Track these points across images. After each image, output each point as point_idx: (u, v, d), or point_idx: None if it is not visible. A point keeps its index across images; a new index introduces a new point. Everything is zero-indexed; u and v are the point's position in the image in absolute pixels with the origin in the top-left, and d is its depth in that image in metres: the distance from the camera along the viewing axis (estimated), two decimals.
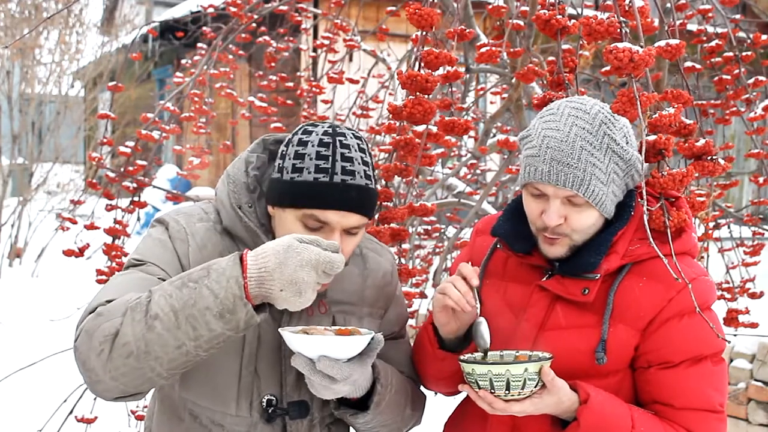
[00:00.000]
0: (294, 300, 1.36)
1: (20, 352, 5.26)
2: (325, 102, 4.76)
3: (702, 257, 3.05)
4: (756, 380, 4.54)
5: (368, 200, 1.54)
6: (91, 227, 3.04)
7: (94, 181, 3.25)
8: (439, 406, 2.11)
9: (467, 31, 2.16)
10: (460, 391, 1.59)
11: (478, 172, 5.26)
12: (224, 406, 1.59)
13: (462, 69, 2.35)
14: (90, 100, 11.97)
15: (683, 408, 1.55)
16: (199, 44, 4.64)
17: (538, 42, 3.98)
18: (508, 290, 1.71)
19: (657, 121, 1.67)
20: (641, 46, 1.60)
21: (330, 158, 1.50)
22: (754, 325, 3.17)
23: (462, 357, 1.57)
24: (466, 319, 1.63)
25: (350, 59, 5.30)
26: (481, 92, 4.52)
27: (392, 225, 2.14)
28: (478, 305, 1.60)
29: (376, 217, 2.11)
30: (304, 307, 1.39)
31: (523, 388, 1.48)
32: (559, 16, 1.94)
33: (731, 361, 4.63)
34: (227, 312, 1.34)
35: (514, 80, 3.00)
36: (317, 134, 1.53)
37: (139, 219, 3.31)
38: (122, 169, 3.03)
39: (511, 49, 2.62)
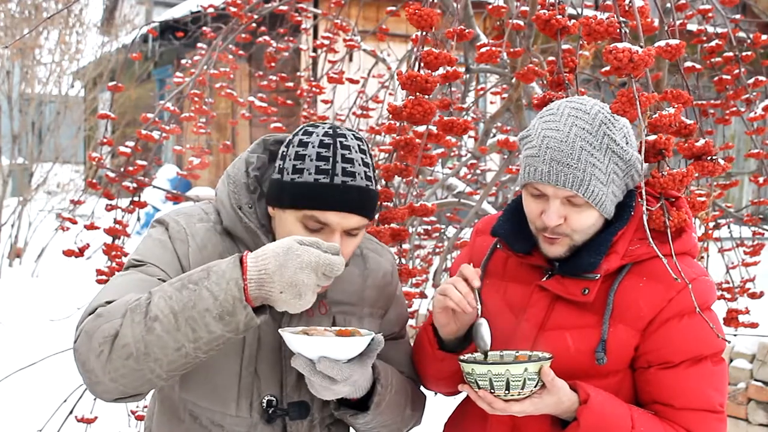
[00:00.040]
0: (294, 302, 1.36)
1: (20, 352, 5.26)
2: (325, 102, 4.76)
3: (702, 257, 3.05)
4: (756, 380, 4.54)
5: (369, 201, 1.54)
6: (91, 227, 3.04)
7: (94, 181, 3.25)
8: (439, 406, 2.11)
9: (467, 31, 2.15)
10: (460, 391, 1.59)
11: (478, 172, 5.26)
12: (224, 407, 1.59)
13: (462, 69, 2.35)
14: (90, 100, 11.97)
15: (683, 408, 1.55)
16: (199, 44, 4.64)
17: (538, 42, 3.98)
18: (508, 290, 1.71)
19: (657, 121, 1.67)
20: (641, 46, 1.60)
21: (330, 159, 1.50)
22: (754, 325, 3.17)
23: (462, 357, 1.57)
24: (467, 320, 1.63)
25: (350, 59, 5.30)
26: (481, 92, 4.52)
27: (392, 225, 2.14)
28: (479, 307, 1.60)
29: (377, 217, 2.11)
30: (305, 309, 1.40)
31: (522, 388, 1.48)
32: (559, 16, 1.94)
33: (731, 361, 4.63)
34: (227, 314, 1.34)
35: (514, 80, 3.00)
36: (318, 135, 1.53)
37: (139, 219, 3.31)
38: (122, 169, 3.04)
39: (511, 49, 2.62)
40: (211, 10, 4.55)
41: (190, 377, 1.56)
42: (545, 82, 2.37)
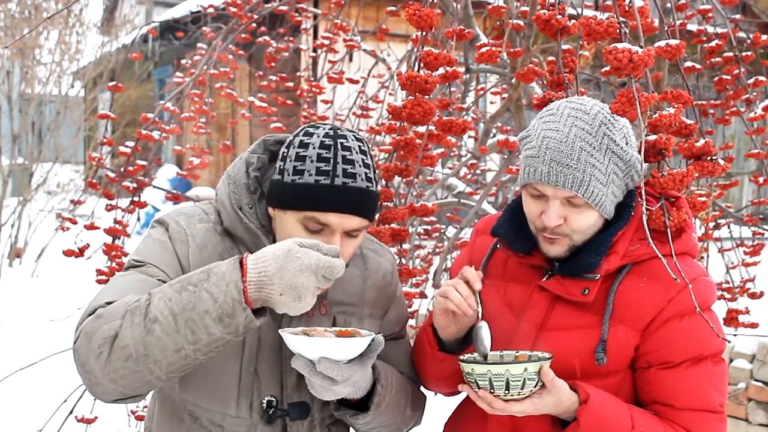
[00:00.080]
0: (293, 305, 1.36)
1: (20, 352, 5.26)
2: (325, 102, 4.76)
3: (702, 257, 3.05)
4: (756, 380, 4.54)
5: (369, 203, 1.54)
6: (91, 227, 3.04)
7: (94, 181, 3.24)
8: (439, 406, 2.11)
9: (466, 31, 2.15)
10: (460, 392, 1.59)
11: (478, 172, 5.26)
12: (224, 407, 1.59)
13: (462, 69, 2.35)
14: (90, 100, 11.97)
15: (683, 408, 1.55)
16: (199, 44, 4.64)
17: (538, 42, 3.98)
18: (508, 290, 1.71)
19: (657, 121, 1.67)
20: (641, 47, 1.60)
21: (331, 161, 1.50)
22: (754, 325, 3.17)
23: (462, 357, 1.57)
24: (467, 322, 1.63)
25: (350, 59, 5.30)
26: (481, 92, 4.52)
27: (392, 225, 2.14)
28: (480, 310, 1.60)
29: (377, 217, 2.11)
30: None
31: (522, 388, 1.48)
32: (559, 16, 1.94)
33: (731, 361, 4.63)
34: (226, 316, 1.34)
35: (514, 80, 3.00)
36: (318, 136, 1.53)
37: (139, 219, 3.31)
38: (122, 169, 3.03)
39: (511, 49, 2.62)
40: (211, 10, 4.55)
41: (190, 378, 1.56)
42: (545, 82, 2.37)
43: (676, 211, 1.64)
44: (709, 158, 1.77)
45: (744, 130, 3.09)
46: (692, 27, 3.43)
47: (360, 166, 1.52)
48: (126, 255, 2.86)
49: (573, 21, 1.99)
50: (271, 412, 1.59)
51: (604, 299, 1.59)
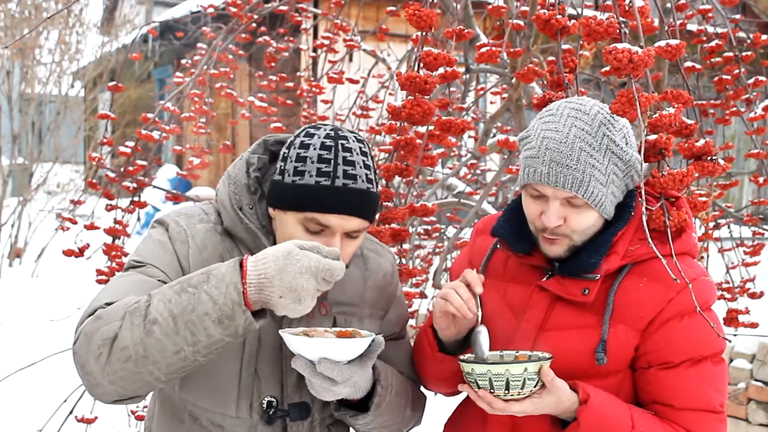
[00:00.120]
0: (293, 307, 1.36)
1: (20, 352, 5.26)
2: (325, 102, 4.76)
3: (702, 257, 3.05)
4: (756, 380, 4.54)
5: (369, 204, 1.54)
6: (91, 227, 3.04)
7: (94, 181, 3.24)
8: (439, 407, 2.11)
9: (466, 31, 2.15)
10: (460, 392, 1.59)
11: (478, 172, 5.26)
12: (224, 408, 1.59)
13: (461, 69, 2.35)
14: (90, 100, 11.97)
15: (683, 408, 1.55)
16: (199, 44, 4.64)
17: (538, 42, 3.98)
18: (508, 290, 1.71)
19: (657, 121, 1.67)
20: (641, 47, 1.60)
21: (332, 162, 1.50)
22: (754, 325, 3.17)
23: (462, 357, 1.57)
24: (466, 324, 1.63)
25: (350, 59, 5.30)
26: (481, 92, 4.52)
27: (393, 225, 2.14)
28: (480, 313, 1.60)
29: (377, 217, 2.11)
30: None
31: (522, 388, 1.48)
32: (559, 16, 1.94)
33: (731, 361, 4.63)
34: (226, 318, 1.34)
35: (514, 80, 3.00)
36: (319, 137, 1.53)
37: (139, 219, 3.31)
38: (122, 169, 3.03)
39: (511, 49, 2.62)
40: (211, 10, 4.55)
41: (190, 378, 1.56)
42: (545, 82, 2.37)
43: (676, 211, 1.64)
44: (709, 158, 1.77)
45: (744, 130, 3.09)
46: (692, 27, 3.43)
47: (361, 167, 1.52)
48: (126, 255, 2.86)
49: (573, 21, 1.99)
50: (271, 412, 1.59)
51: (604, 299, 1.59)
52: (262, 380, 1.59)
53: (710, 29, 3.11)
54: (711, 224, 3.30)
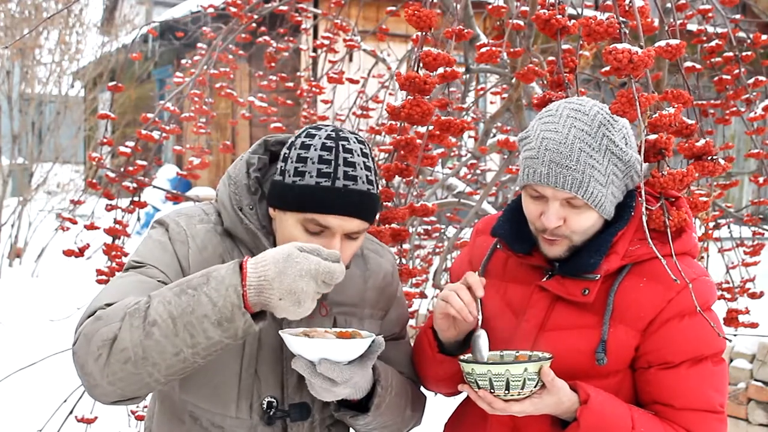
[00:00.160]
0: (293, 309, 1.36)
1: (20, 352, 5.26)
2: (325, 102, 4.76)
3: (702, 257, 3.05)
4: (756, 380, 4.54)
5: (369, 205, 1.54)
6: (91, 227, 3.04)
7: (94, 181, 3.24)
8: (439, 407, 2.11)
9: (465, 31, 2.15)
10: (460, 392, 1.59)
11: (478, 172, 5.26)
12: (224, 408, 1.58)
13: (461, 69, 2.35)
14: (90, 100, 11.97)
15: (683, 408, 1.55)
16: (199, 44, 4.64)
17: (538, 42, 3.98)
18: (508, 291, 1.70)
19: (657, 120, 1.67)
20: (641, 47, 1.60)
21: (332, 163, 1.50)
22: (754, 325, 3.17)
23: (462, 357, 1.57)
24: (466, 327, 1.63)
25: (350, 59, 5.30)
26: (481, 92, 4.52)
27: (393, 225, 2.14)
28: (480, 317, 1.60)
29: (377, 217, 2.11)
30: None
31: (522, 388, 1.48)
32: (559, 16, 1.94)
33: (731, 361, 4.63)
34: (225, 320, 1.34)
35: (514, 80, 3.00)
36: (320, 138, 1.53)
37: (139, 219, 3.31)
38: (122, 169, 3.03)
39: (511, 49, 2.62)
40: (211, 10, 4.55)
41: (191, 378, 1.56)
42: (545, 82, 2.37)
43: (676, 211, 1.63)
44: (709, 158, 1.77)
45: (744, 130, 3.09)
46: (692, 27, 3.43)
47: (361, 168, 1.52)
48: (126, 255, 2.86)
49: (573, 21, 1.99)
50: (271, 413, 1.59)
51: (604, 299, 1.58)
52: (263, 381, 1.59)
53: (710, 29, 3.11)
54: (711, 224, 3.30)
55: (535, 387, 1.49)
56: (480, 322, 1.59)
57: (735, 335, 3.34)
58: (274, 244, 1.58)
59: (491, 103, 7.83)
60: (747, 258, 3.73)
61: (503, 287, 1.71)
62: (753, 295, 3.46)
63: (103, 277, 2.89)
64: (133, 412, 3.19)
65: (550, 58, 2.89)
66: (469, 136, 5.15)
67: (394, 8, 4.32)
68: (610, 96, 3.74)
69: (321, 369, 1.44)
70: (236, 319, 1.34)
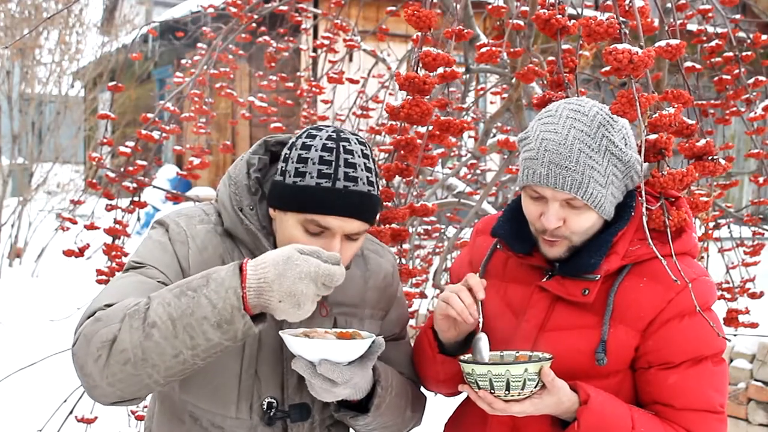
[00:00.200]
0: (293, 311, 1.36)
1: (20, 352, 5.26)
2: (325, 102, 4.76)
3: (702, 257, 3.05)
4: (756, 380, 4.54)
5: (370, 206, 1.54)
6: (91, 227, 3.04)
7: (94, 181, 3.24)
8: (439, 407, 2.11)
9: (465, 31, 2.15)
10: (461, 392, 1.59)
11: (478, 172, 5.26)
12: (224, 409, 1.58)
13: (461, 69, 2.35)
14: (90, 100, 11.97)
15: (683, 408, 1.55)
16: (199, 44, 4.64)
17: (538, 42, 3.98)
18: (508, 291, 1.70)
19: (657, 120, 1.67)
20: (641, 47, 1.60)
21: (333, 163, 1.50)
22: (754, 325, 3.17)
23: (462, 357, 1.57)
24: (467, 328, 1.63)
25: (350, 59, 5.30)
26: (481, 92, 4.52)
27: (393, 225, 2.14)
28: (481, 319, 1.60)
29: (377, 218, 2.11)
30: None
31: (522, 389, 1.48)
32: (559, 16, 1.94)
33: (731, 361, 4.63)
34: (225, 322, 1.34)
35: (514, 80, 3.00)
36: (321, 139, 1.53)
37: (139, 219, 3.31)
38: (122, 169, 3.03)
39: (511, 49, 2.62)
40: (211, 10, 4.55)
41: (191, 379, 1.56)
42: (545, 82, 2.37)
43: (676, 211, 1.63)
44: (709, 158, 1.77)
45: (744, 130, 3.09)
46: (692, 27, 3.43)
47: (362, 169, 1.52)
48: (126, 255, 2.86)
49: (573, 21, 1.99)
50: (271, 413, 1.59)
51: (605, 300, 1.58)
52: (263, 381, 1.59)
53: (710, 29, 3.11)
54: (711, 224, 3.30)
55: (535, 387, 1.49)
56: (481, 325, 1.59)
57: (735, 335, 3.35)
58: (275, 245, 1.58)
59: (491, 103, 7.83)
60: (747, 258, 3.73)
61: (503, 287, 1.71)
62: (753, 295, 3.46)
63: (103, 278, 2.89)
64: (133, 412, 3.19)
65: (550, 58, 2.89)
66: (469, 136, 5.15)
67: (394, 8, 4.32)
68: (610, 96, 3.74)
69: (321, 370, 1.44)
70: (236, 321, 1.34)
